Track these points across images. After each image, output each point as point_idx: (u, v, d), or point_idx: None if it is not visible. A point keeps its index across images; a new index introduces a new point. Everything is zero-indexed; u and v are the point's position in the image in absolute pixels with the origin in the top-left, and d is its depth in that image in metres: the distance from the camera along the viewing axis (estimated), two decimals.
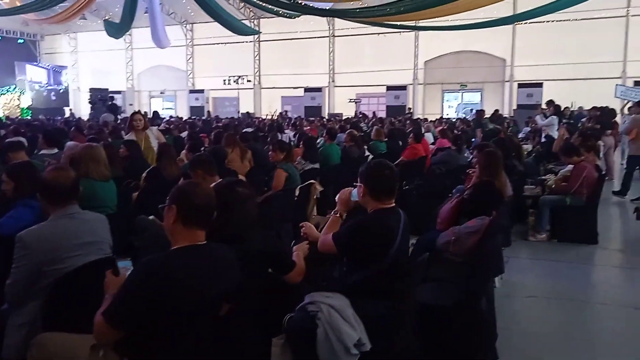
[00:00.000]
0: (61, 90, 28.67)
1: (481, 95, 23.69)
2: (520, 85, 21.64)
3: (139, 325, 1.94)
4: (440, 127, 12.18)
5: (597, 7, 16.83)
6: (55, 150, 5.98)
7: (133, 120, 6.98)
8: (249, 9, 24.36)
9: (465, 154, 7.49)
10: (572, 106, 14.25)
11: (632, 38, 20.20)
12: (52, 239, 2.46)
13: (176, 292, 1.93)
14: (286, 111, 23.03)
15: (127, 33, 23.50)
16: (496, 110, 17.70)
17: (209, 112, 25.31)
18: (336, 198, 3.08)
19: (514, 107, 21.21)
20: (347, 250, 2.68)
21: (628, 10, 20.24)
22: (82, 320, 2.13)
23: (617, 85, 14.10)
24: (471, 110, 21.96)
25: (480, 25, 15.46)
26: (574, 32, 19.69)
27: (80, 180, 2.80)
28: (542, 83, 20.57)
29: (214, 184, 2.60)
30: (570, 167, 6.17)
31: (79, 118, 21.59)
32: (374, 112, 22.63)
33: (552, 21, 17.46)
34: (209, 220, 2.13)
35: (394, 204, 2.76)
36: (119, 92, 26.58)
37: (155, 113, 18.67)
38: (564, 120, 11.84)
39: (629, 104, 12.39)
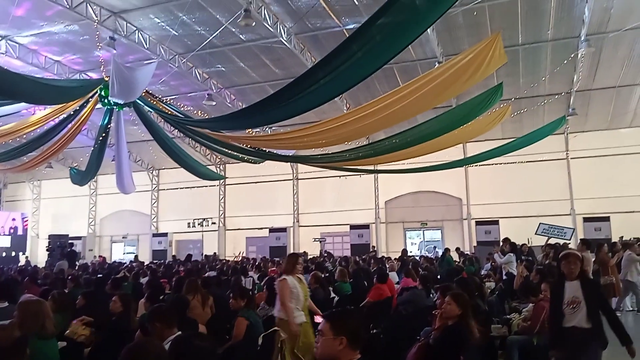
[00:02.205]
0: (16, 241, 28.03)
1: (442, 233, 24.37)
2: (478, 223, 22.45)
3: None
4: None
5: (539, 151, 18.25)
6: (6, 304, 5.65)
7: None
8: (215, 155, 25.33)
9: (431, 294, 7.48)
10: (529, 243, 14.75)
11: (575, 178, 21.72)
12: None
13: None
14: (246, 258, 22.86)
15: (92, 180, 23.77)
16: (457, 248, 18.20)
17: (174, 256, 24.89)
18: None
19: (474, 243, 21.78)
20: None
21: (567, 154, 22.03)
22: None
23: (540, 223, 14.93)
24: (434, 247, 22.40)
25: (434, 168, 16.42)
26: (521, 173, 21.07)
27: (27, 340, 2.65)
28: (498, 220, 21.43)
29: (171, 337, 2.52)
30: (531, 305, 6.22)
31: (35, 266, 20.84)
32: (328, 252, 22.58)
33: (500, 163, 18.76)
34: None
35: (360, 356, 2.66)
36: (79, 238, 26.13)
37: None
38: (523, 257, 12.17)
39: (551, 240, 13.12)
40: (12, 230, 28.32)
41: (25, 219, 29.48)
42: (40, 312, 3.82)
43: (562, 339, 4.41)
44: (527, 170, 20.96)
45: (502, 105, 12.35)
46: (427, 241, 24.61)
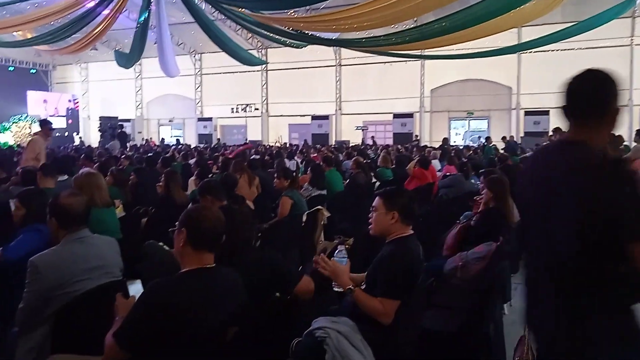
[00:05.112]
0: (71, 120, 29.15)
1: (488, 123, 23.79)
2: (527, 113, 21.71)
3: (147, 348, 1.95)
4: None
5: (601, 37, 16.97)
6: (66, 177, 6.05)
7: None
8: (257, 39, 24.80)
9: (473, 181, 7.49)
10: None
11: (637, 67, 20.29)
12: (63, 264, 2.49)
13: (183, 314, 1.95)
14: (285, 142, 23.19)
15: (137, 63, 23.90)
16: (503, 137, 17.83)
17: (218, 139, 25.58)
18: (333, 279, 2.77)
19: (521, 134, 21.25)
20: (401, 292, 2.57)
21: (632, 39, 20.41)
22: (90, 342, 2.15)
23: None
24: (478, 137, 22.04)
25: (486, 54, 15.63)
26: (578, 61, 19.79)
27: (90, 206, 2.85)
28: (548, 111, 20.64)
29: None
30: None
31: (89, 146, 21.86)
32: (372, 137, 22.81)
33: (557, 50, 17.63)
34: (218, 243, 2.16)
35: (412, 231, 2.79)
36: (128, 120, 26.90)
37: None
38: None
39: None
40: (69, 112, 29.41)
41: (75, 101, 30.40)
42: (95, 183, 4.06)
43: None
44: (584, 57, 19.59)
45: None
46: (472, 131, 24.19)
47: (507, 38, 16.13)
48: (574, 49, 18.43)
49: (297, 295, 2.64)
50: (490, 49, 15.44)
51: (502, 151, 14.62)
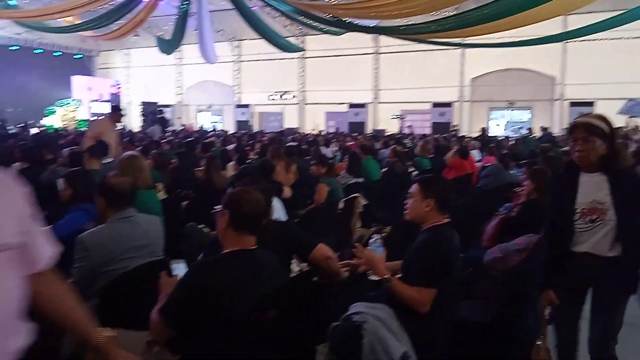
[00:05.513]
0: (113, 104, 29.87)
1: (531, 114, 23.16)
2: (572, 104, 21.03)
3: (189, 325, 2.02)
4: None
5: None
6: (110, 159, 6.24)
7: None
8: (295, 26, 24.78)
9: (513, 171, 7.34)
10: (627, 126, 13.74)
11: None
12: (110, 242, 2.59)
13: (223, 295, 1.99)
14: (321, 130, 23.21)
15: (177, 49, 24.29)
16: (544, 128, 17.37)
17: (250, 126, 25.90)
18: (369, 268, 2.79)
19: (565, 125, 20.60)
20: (437, 281, 2.57)
21: None
22: (135, 318, 2.22)
23: (629, 99, 12.81)
24: (520, 128, 21.51)
25: (530, 43, 15.13)
26: (627, 51, 19.03)
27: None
28: (593, 102, 19.95)
29: None
30: None
31: (130, 130, 22.42)
32: (409, 126, 22.60)
33: (605, 39, 16.95)
34: (259, 225, 2.20)
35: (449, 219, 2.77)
36: (167, 106, 27.42)
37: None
38: (619, 141, 11.39)
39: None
40: (112, 97, 30.17)
41: (118, 86, 31.16)
42: (137, 165, 4.17)
43: (564, 270, 2.75)
44: (633, 47, 18.85)
45: None
46: (513, 122, 23.62)
47: (551, 26, 15.58)
48: (623, 38, 17.70)
49: (317, 262, 2.67)
50: (534, 37, 14.97)
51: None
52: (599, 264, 2.58)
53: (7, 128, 19.46)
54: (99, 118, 8.96)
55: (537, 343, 2.64)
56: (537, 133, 16.93)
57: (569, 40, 19.22)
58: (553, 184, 3.06)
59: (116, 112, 7.97)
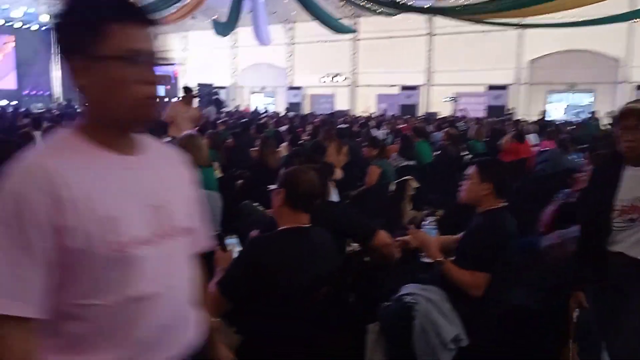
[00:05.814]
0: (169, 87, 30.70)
1: (594, 97, 22.07)
2: (638, 87, 19.88)
3: (245, 299, 2.10)
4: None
5: None
6: (169, 138, 6.45)
7: None
8: (348, 7, 24.54)
9: (573, 156, 7.08)
10: None
11: None
12: None
13: (277, 272, 2.06)
14: (372, 112, 23.01)
15: (233, 32, 24.57)
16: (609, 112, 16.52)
17: (300, 109, 26.03)
18: (421, 249, 2.79)
19: None
20: (490, 265, 2.54)
21: None
22: None
23: None
24: (580, 112, 20.59)
25: (592, 23, 14.39)
26: None
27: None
28: None
29: None
30: None
31: None
32: (462, 110, 22.03)
33: None
34: (313, 204, 2.24)
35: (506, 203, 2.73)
36: (222, 88, 27.88)
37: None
38: None
39: None
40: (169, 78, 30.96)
41: (176, 68, 31.95)
42: (195, 144, 4.30)
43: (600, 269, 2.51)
44: None
45: None
46: (573, 105, 22.62)
47: (616, 5, 14.72)
48: None
49: (378, 249, 2.68)
50: (598, 17, 14.17)
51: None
52: (633, 267, 2.34)
53: (76, 107, 20.40)
54: (172, 101, 9.12)
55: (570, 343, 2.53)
56: (601, 117, 16.13)
57: (635, 20, 18.10)
58: (593, 176, 2.78)
59: (188, 94, 8.01)
